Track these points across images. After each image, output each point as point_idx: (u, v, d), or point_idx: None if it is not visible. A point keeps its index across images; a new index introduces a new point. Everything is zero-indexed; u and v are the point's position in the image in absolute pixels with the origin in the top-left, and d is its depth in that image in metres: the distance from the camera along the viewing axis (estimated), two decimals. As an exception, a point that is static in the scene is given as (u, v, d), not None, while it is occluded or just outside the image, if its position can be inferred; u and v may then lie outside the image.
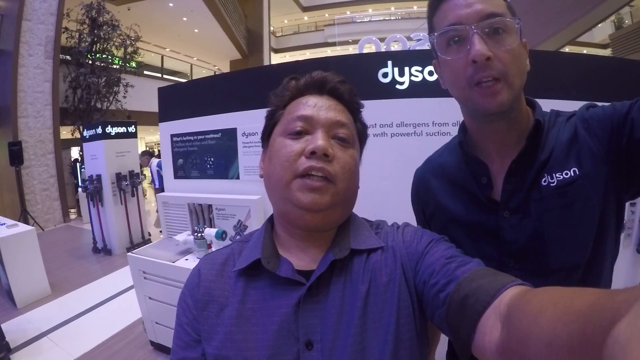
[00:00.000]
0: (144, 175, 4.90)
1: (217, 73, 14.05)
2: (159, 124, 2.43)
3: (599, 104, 0.61)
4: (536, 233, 0.59)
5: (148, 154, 4.71)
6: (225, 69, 14.58)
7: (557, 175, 0.57)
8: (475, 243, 0.65)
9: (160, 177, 4.09)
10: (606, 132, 0.55)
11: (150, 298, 2.20)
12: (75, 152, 7.69)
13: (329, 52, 17.67)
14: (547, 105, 0.68)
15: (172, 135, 2.38)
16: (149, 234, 4.77)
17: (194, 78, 12.46)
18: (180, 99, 2.37)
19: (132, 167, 4.48)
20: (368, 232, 0.58)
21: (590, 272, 0.60)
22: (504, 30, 0.54)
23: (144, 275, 2.16)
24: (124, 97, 7.39)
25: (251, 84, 2.17)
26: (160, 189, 4.10)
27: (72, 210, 6.44)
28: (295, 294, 0.49)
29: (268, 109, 0.60)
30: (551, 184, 0.58)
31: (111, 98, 7.18)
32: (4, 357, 2.33)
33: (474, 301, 0.42)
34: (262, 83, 2.14)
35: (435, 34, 0.58)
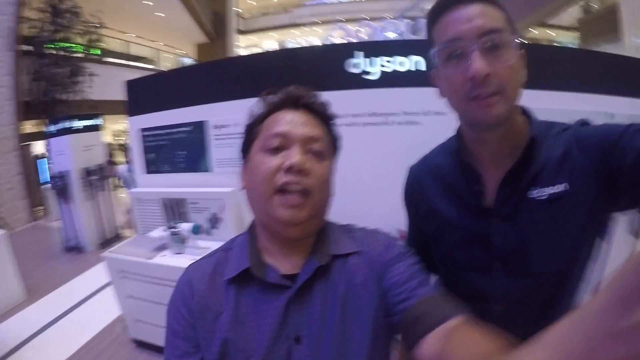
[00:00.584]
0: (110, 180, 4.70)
1: (184, 58, 13.58)
2: (128, 118, 2.34)
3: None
4: (523, 240, 0.63)
5: (111, 164, 4.50)
6: (193, 53, 14.15)
7: (548, 189, 0.60)
8: (465, 245, 0.68)
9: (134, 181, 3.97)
10: (597, 154, 0.57)
11: (130, 296, 2.18)
12: (42, 147, 7.30)
13: (297, 33, 17.42)
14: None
15: (142, 130, 2.31)
16: (121, 228, 4.66)
17: (161, 64, 11.97)
18: (149, 92, 2.30)
19: (100, 160, 4.34)
20: (344, 237, 0.63)
21: (568, 276, 0.65)
22: (503, 45, 0.55)
23: (122, 274, 2.13)
24: (89, 87, 7.00)
25: (220, 75, 2.13)
26: None
27: (39, 209, 6.15)
28: (283, 297, 0.54)
29: (246, 123, 0.63)
30: (542, 197, 0.60)
31: (76, 89, 6.80)
32: None
33: (424, 322, 0.51)
34: (231, 75, 2.10)
35: (436, 48, 0.59)
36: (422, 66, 1.85)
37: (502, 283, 0.66)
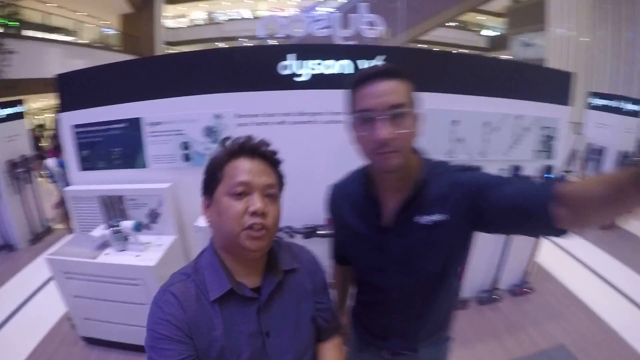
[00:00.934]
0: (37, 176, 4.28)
1: (107, 29, 12.44)
2: (60, 114, 2.24)
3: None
4: (411, 251, 0.86)
5: (39, 158, 4.05)
6: (117, 24, 13.06)
7: (433, 217, 0.82)
8: (369, 252, 0.92)
9: (65, 177, 3.67)
10: (469, 196, 0.78)
11: (76, 296, 2.20)
12: None
13: (228, 4, 16.62)
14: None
15: (75, 126, 2.24)
16: (50, 220, 4.38)
17: (83, 35, 10.97)
18: (81, 87, 2.21)
19: (25, 151, 3.98)
20: (286, 254, 0.84)
21: (444, 275, 0.91)
22: (404, 116, 0.75)
23: (67, 275, 2.14)
24: (7, 65, 6.21)
25: (154, 72, 2.13)
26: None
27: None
28: (254, 306, 0.75)
29: (207, 165, 0.76)
30: (429, 222, 0.82)
31: None
32: None
33: (327, 333, 0.91)
34: (165, 72, 2.11)
35: (353, 113, 0.79)
36: (349, 69, 2.03)
37: (396, 279, 0.91)
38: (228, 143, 0.75)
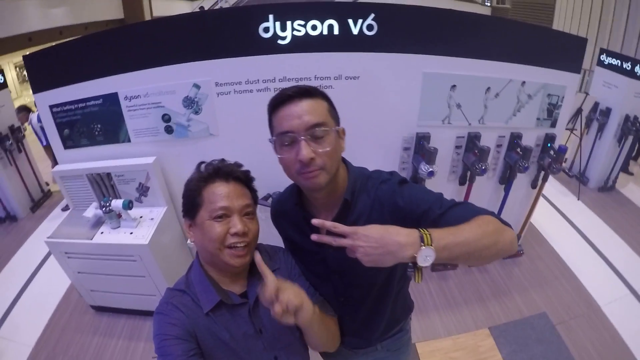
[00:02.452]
0: (24, 130, 4.19)
1: None
2: (34, 95, 2.12)
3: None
4: (349, 263, 0.85)
5: (25, 109, 3.86)
6: None
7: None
8: (312, 264, 0.95)
9: (44, 132, 3.61)
10: (399, 216, 0.78)
11: (79, 272, 2.28)
12: None
13: None
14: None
15: (51, 107, 2.13)
16: (47, 184, 4.45)
17: None
18: (51, 66, 2.05)
19: (11, 121, 3.86)
20: (266, 257, 0.86)
21: (387, 284, 0.96)
22: (325, 135, 0.74)
23: (67, 255, 2.19)
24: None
25: (128, 43, 1.96)
26: (48, 146, 3.64)
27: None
28: (244, 310, 0.82)
29: (185, 190, 0.82)
30: None
31: None
32: None
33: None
34: (139, 42, 1.94)
35: (274, 136, 0.78)
36: (335, 30, 1.85)
37: (340, 287, 0.95)
38: (203, 167, 0.81)
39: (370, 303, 0.98)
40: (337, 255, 0.87)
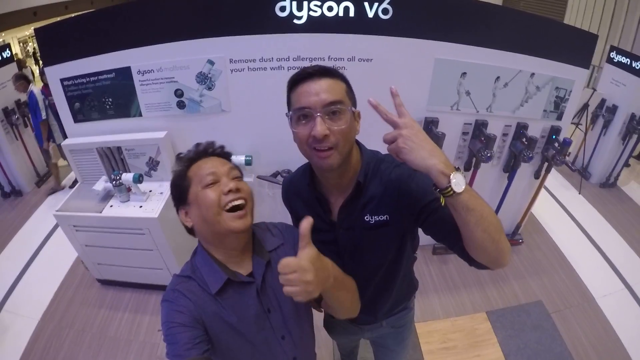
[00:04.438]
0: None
1: None
2: (44, 67, 2.12)
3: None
4: (359, 243, 0.91)
5: (23, 78, 3.60)
6: None
7: (375, 217, 0.86)
8: (323, 244, 0.96)
9: (47, 107, 3.53)
10: (413, 203, 0.81)
11: (86, 245, 2.31)
12: None
13: None
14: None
15: (62, 80, 2.14)
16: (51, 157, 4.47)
17: None
18: (63, 39, 2.05)
19: (17, 96, 3.85)
20: (267, 234, 0.90)
21: (394, 265, 0.99)
22: (340, 113, 0.75)
23: (75, 228, 2.21)
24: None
25: (143, 17, 1.96)
26: (45, 121, 3.53)
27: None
28: (253, 289, 0.81)
29: (172, 181, 0.83)
30: (371, 222, 0.87)
31: None
32: None
33: None
34: (154, 16, 1.94)
35: (290, 111, 0.79)
36: (351, 12, 1.86)
37: (349, 266, 0.96)
38: (183, 155, 0.84)
39: (379, 282, 1.02)
40: (348, 235, 0.91)
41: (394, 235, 0.89)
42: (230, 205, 0.75)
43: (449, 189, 0.62)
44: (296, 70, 0.80)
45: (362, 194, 0.85)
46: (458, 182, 0.62)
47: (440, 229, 0.78)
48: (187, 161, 0.82)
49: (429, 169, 0.63)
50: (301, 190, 0.96)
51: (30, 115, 3.58)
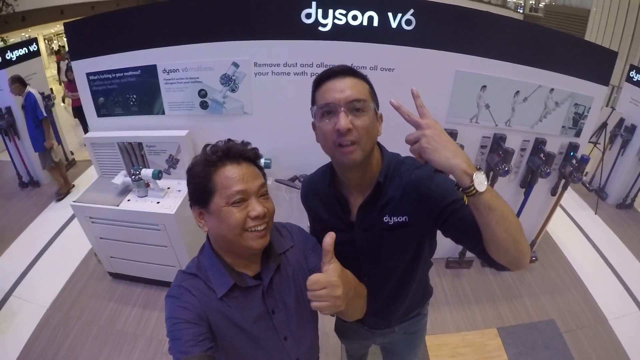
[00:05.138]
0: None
1: None
2: (71, 61, 2.20)
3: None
4: (377, 244, 0.92)
5: (19, 81, 3.47)
6: None
7: (394, 218, 0.87)
8: (340, 244, 0.97)
9: (39, 109, 3.45)
10: (433, 204, 0.81)
11: (101, 238, 2.34)
12: None
13: None
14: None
15: (88, 74, 2.21)
16: (72, 153, 4.55)
17: None
18: (91, 35, 2.13)
19: (42, 88, 3.97)
20: (277, 235, 0.88)
21: (408, 268, 0.99)
22: (363, 110, 0.77)
23: (91, 219, 2.25)
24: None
25: (171, 18, 2.02)
26: (46, 119, 3.48)
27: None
28: (258, 292, 0.80)
29: (192, 176, 0.75)
30: (390, 222, 0.87)
31: (0, 5, 5.78)
32: None
33: None
34: (182, 18, 2.01)
35: (315, 107, 0.80)
36: (374, 22, 1.89)
37: (366, 267, 0.98)
38: (209, 150, 0.75)
39: (394, 284, 1.02)
40: (367, 235, 0.91)
41: (412, 236, 0.90)
42: (254, 229, 0.73)
43: (472, 188, 0.63)
44: (320, 71, 0.82)
45: (381, 195, 0.86)
46: (480, 181, 0.63)
47: (461, 231, 0.78)
48: (214, 163, 0.74)
49: (453, 168, 0.64)
50: (321, 189, 0.97)
51: (25, 119, 3.49)
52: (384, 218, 0.87)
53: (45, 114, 3.47)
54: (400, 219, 0.86)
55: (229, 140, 0.78)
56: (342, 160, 0.79)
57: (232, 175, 0.73)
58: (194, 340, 0.70)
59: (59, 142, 4.26)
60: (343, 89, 0.76)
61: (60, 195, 3.76)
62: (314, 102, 0.82)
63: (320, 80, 0.80)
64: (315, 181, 1.01)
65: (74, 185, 3.92)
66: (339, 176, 0.90)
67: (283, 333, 0.84)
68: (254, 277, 0.81)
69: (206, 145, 0.77)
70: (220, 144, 0.76)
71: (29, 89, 3.46)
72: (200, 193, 0.74)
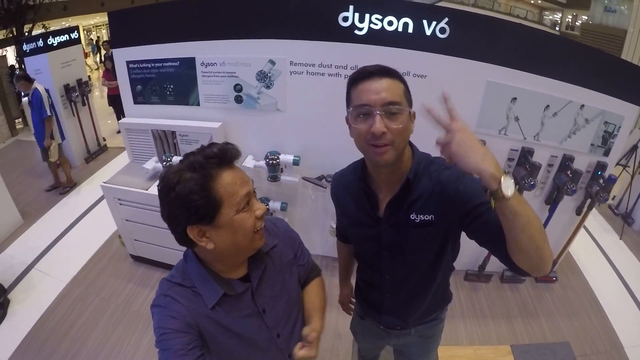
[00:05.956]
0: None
1: None
2: (113, 50, 2.32)
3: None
4: (402, 241, 0.93)
5: (24, 78, 3.45)
6: None
7: (420, 216, 0.88)
8: (366, 239, 1.00)
9: (50, 106, 3.49)
10: (459, 205, 0.82)
11: (127, 220, 2.43)
12: (10, 57, 6.70)
13: None
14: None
15: (128, 62, 2.32)
16: (104, 139, 4.74)
17: None
18: (133, 25, 2.25)
19: (80, 75, 4.20)
20: (266, 235, 0.85)
21: (433, 267, 0.99)
22: (398, 113, 0.78)
23: (119, 201, 2.34)
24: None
25: (213, 13, 2.10)
26: (50, 117, 3.46)
27: (18, 121, 5.98)
28: (247, 293, 0.82)
29: (188, 195, 0.66)
30: (416, 220, 0.89)
31: None
32: (3, 300, 2.39)
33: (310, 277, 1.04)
34: (224, 14, 2.08)
35: (351, 107, 0.82)
36: (409, 28, 1.92)
37: (389, 265, 1.01)
38: (196, 162, 0.68)
39: (415, 283, 1.02)
40: (393, 231, 0.93)
41: (437, 236, 0.91)
42: (259, 228, 0.75)
43: (499, 192, 0.63)
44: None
45: (410, 192, 0.88)
46: (508, 185, 0.63)
47: (485, 233, 0.79)
48: (211, 175, 0.67)
49: (481, 171, 0.65)
50: (351, 184, 0.99)
51: (31, 113, 3.55)
52: (411, 215, 0.88)
53: (49, 113, 3.46)
54: (426, 217, 0.88)
55: (204, 147, 0.71)
56: (376, 160, 0.81)
57: (233, 180, 0.69)
58: (183, 350, 0.70)
59: (94, 127, 4.41)
60: (379, 90, 0.77)
61: (51, 187, 3.79)
62: (349, 100, 0.84)
63: (357, 79, 0.81)
64: (346, 175, 1.04)
65: (75, 184, 3.92)
66: (369, 171, 0.93)
67: (275, 330, 0.86)
68: (241, 279, 0.81)
69: (181, 160, 0.70)
70: (207, 152, 0.69)
71: (35, 84, 3.46)
72: (206, 209, 0.67)
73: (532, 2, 16.04)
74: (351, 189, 0.99)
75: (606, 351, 2.27)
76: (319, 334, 0.87)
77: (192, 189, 0.65)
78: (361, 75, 0.80)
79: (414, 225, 0.89)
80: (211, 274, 0.77)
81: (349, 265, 1.34)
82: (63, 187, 3.80)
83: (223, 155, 0.69)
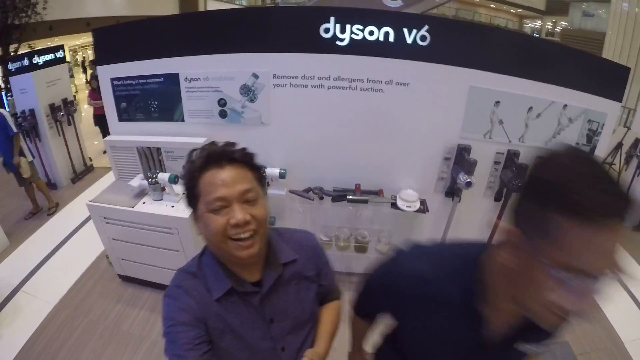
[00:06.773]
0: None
1: None
2: (96, 66, 2.30)
3: None
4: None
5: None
6: None
7: (534, 347, 0.70)
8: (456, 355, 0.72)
9: (17, 125, 3.45)
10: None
11: (114, 239, 2.38)
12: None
13: None
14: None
15: (112, 79, 2.30)
16: (90, 159, 4.68)
17: None
18: (117, 42, 2.24)
19: (65, 94, 4.15)
20: (283, 244, 0.85)
21: None
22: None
23: (106, 220, 2.30)
24: (44, 8, 6.29)
25: (194, 29, 2.11)
26: (17, 135, 3.38)
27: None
28: (257, 298, 0.78)
29: (184, 181, 0.74)
30: (529, 350, 0.70)
31: (29, 12, 6.09)
32: None
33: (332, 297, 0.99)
34: (206, 29, 2.09)
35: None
36: (390, 37, 1.94)
37: None
38: (195, 155, 0.73)
39: None
40: (503, 357, 0.71)
41: None
42: (237, 237, 0.70)
43: None
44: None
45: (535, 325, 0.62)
46: None
47: None
48: (200, 168, 0.72)
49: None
50: (439, 293, 0.68)
51: None
52: (527, 346, 0.70)
53: (15, 130, 3.36)
54: (538, 348, 0.71)
55: (213, 142, 0.75)
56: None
57: (213, 180, 0.70)
58: (190, 344, 0.70)
59: (79, 146, 4.36)
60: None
61: (51, 209, 3.72)
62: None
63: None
64: (425, 277, 0.69)
65: (57, 204, 3.81)
66: (485, 292, 0.64)
67: (281, 344, 0.82)
68: (254, 284, 0.79)
69: (192, 150, 0.74)
70: (205, 147, 0.74)
71: None
72: (190, 198, 0.74)
73: (512, 11, 16.53)
74: (438, 300, 0.68)
75: (606, 347, 2.28)
76: (320, 358, 0.84)
77: (188, 170, 0.73)
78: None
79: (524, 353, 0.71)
80: (222, 266, 0.77)
81: (363, 337, 1.07)
82: (49, 208, 3.73)
83: (208, 157, 0.72)
